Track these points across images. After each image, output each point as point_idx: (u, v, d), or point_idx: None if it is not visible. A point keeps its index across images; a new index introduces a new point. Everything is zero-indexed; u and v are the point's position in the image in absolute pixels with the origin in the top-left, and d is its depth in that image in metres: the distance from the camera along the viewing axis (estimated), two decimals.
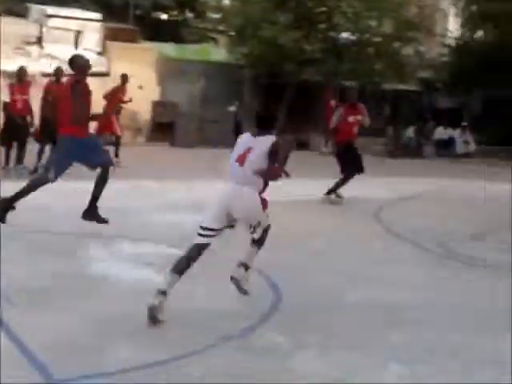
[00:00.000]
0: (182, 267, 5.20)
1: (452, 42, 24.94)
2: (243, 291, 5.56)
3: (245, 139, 5.52)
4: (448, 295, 6.34)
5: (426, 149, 22.24)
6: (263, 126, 5.52)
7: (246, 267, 5.54)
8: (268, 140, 5.40)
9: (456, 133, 22.70)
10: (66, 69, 8.75)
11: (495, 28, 23.11)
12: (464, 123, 23.11)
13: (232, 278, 5.53)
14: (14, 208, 7.33)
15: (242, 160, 5.37)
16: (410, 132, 22.72)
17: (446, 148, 22.46)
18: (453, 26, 25.87)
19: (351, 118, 11.04)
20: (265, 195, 5.49)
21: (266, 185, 5.48)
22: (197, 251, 5.29)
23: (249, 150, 5.39)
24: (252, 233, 5.46)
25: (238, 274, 5.52)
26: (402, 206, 11.64)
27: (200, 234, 5.31)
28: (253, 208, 5.39)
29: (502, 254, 8.07)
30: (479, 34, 24.48)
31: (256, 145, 5.39)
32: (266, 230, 5.53)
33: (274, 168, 5.38)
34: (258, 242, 5.54)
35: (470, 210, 11.32)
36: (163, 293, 5.05)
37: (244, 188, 5.32)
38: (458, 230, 9.48)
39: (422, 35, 23.07)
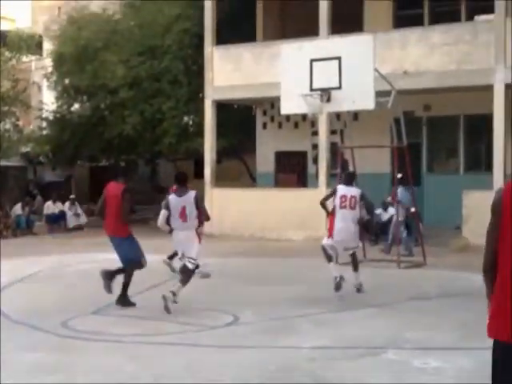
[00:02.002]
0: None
1: (50, 115, 24.85)
2: (167, 309, 8.46)
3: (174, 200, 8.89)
4: (79, 375, 5.94)
5: (38, 225, 21.57)
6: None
7: (174, 294, 8.57)
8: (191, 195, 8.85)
9: (66, 206, 22.39)
10: None
11: (89, 101, 23.64)
12: (72, 196, 22.98)
13: (163, 298, 8.48)
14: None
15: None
16: (19, 209, 21.78)
17: (57, 222, 22.00)
18: (48, 99, 25.80)
19: None
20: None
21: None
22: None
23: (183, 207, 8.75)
24: (188, 259, 8.79)
25: (168, 296, 8.51)
26: (19, 289, 10.89)
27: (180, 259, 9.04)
28: (190, 245, 8.85)
29: (119, 327, 7.91)
30: (76, 106, 24.79)
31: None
32: (192, 271, 8.86)
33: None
34: (184, 280, 8.72)
35: (89, 284, 11.02)
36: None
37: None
38: (79, 306, 9.12)
39: (19, 109, 22.55)
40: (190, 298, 9.75)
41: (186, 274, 8.79)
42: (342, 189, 10.02)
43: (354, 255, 10.11)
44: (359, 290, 10.07)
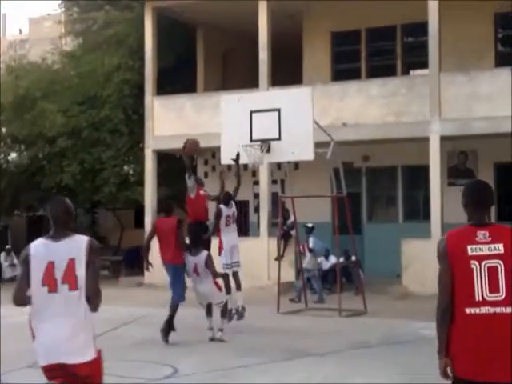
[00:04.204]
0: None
1: None
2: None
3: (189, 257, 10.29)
4: None
5: None
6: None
7: (221, 330, 10.31)
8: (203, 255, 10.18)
9: (1, 257, 21.83)
10: None
11: (27, 150, 23.35)
12: (8, 246, 22.46)
13: (212, 339, 10.20)
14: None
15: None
16: None
17: None
18: None
19: None
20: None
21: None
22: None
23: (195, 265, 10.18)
24: (217, 305, 10.34)
25: (220, 335, 10.24)
26: None
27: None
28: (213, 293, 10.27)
29: None
30: (13, 155, 24.44)
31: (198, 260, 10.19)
32: (225, 305, 10.44)
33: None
34: (223, 314, 10.33)
35: (25, 336, 10.67)
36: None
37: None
38: (14, 359, 8.83)
39: None
40: (129, 350, 9.57)
41: (224, 309, 10.45)
42: (225, 210, 11.66)
43: (236, 275, 11.53)
44: (241, 314, 11.27)
